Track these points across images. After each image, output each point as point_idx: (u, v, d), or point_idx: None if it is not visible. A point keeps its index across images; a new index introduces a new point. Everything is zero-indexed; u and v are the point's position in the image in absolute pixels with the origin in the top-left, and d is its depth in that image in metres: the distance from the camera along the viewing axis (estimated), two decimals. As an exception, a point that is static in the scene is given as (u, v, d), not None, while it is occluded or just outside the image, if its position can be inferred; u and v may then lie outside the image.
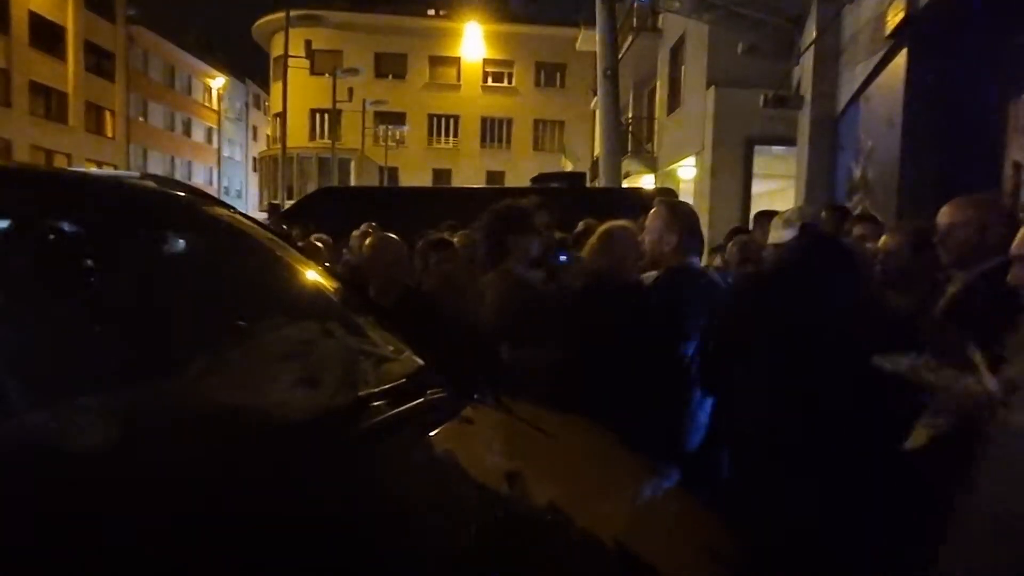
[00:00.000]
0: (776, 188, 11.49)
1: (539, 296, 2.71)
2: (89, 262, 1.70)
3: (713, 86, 11.58)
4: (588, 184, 13.34)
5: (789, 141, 9.07)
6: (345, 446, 1.31)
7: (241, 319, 1.93)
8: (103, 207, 1.74)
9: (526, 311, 2.52)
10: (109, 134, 32.86)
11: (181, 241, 2.13)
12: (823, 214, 4.04)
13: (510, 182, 26.90)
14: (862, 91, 7.05)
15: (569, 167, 22.86)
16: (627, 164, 15.20)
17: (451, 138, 33.72)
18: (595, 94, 10.46)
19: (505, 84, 33.76)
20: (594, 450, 1.79)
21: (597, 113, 13.30)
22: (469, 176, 29.64)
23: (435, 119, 33.38)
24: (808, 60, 8.13)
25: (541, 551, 1.18)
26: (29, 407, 1.26)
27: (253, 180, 38.89)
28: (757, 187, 11.78)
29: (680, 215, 2.59)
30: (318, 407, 1.45)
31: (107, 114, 32.80)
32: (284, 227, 5.18)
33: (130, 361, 1.44)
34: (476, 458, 1.44)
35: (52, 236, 1.66)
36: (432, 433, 1.51)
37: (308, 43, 30.01)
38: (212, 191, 41.41)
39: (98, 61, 31.72)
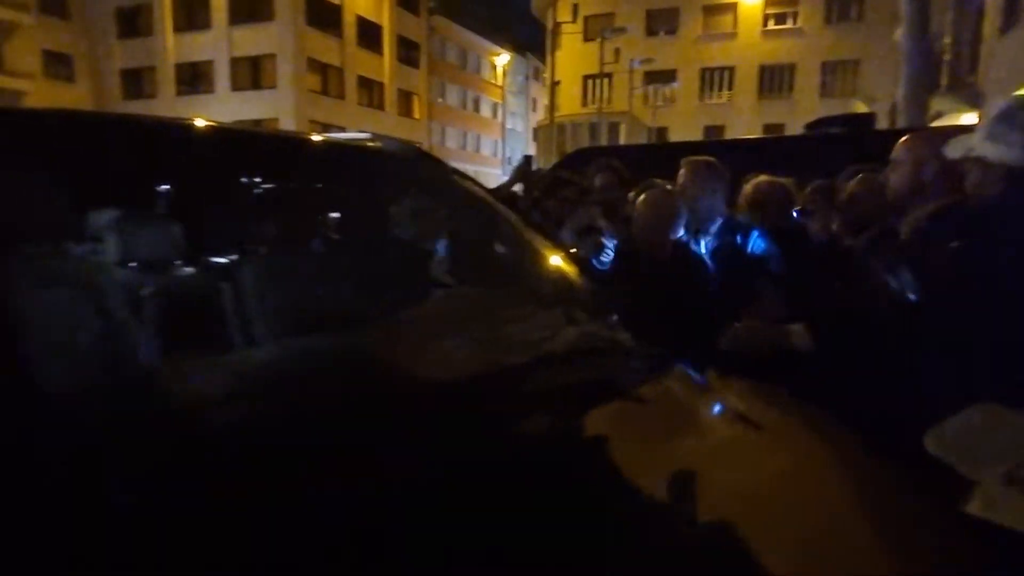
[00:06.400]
0: None
1: None
2: (322, 217, 1.92)
3: (1068, -11, 8.97)
4: (880, 128, 11.47)
5: None
6: (481, 416, 1.21)
7: (447, 275, 2.02)
8: (338, 165, 1.93)
9: None
10: (415, 116, 37.95)
11: (404, 197, 2.26)
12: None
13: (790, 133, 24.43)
14: None
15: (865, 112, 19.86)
16: (938, 102, 12.67)
17: (724, 92, 31.64)
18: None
19: (788, 25, 30.36)
20: (815, 453, 1.35)
21: (900, 44, 11.28)
22: (743, 131, 27.58)
23: (707, 73, 31.58)
24: None
25: None
26: (248, 347, 1.42)
27: (533, 149, 41.54)
28: None
29: None
30: (469, 372, 1.37)
31: (414, 98, 37.89)
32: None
33: (341, 309, 1.55)
34: (638, 449, 1.20)
35: (293, 193, 1.91)
36: (590, 411, 1.31)
37: (576, 8, 30.61)
38: (496, 162, 45.39)
39: (407, 52, 36.67)
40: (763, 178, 3.17)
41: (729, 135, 28.60)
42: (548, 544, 0.91)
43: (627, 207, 3.05)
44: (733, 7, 31.04)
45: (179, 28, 30.08)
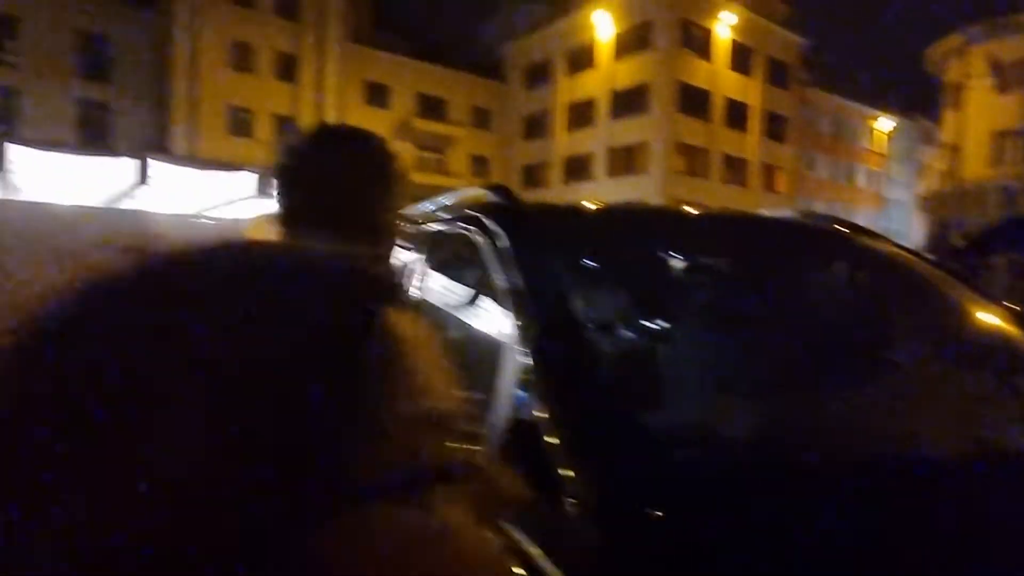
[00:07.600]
0: None
1: None
2: (751, 294, 2.00)
3: None
4: None
5: None
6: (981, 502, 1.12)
7: (891, 351, 1.95)
8: (772, 242, 2.10)
9: None
10: (779, 190, 36.83)
11: (838, 270, 2.31)
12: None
13: None
14: None
15: None
16: None
17: None
18: None
19: None
20: None
21: None
22: None
23: None
24: None
25: None
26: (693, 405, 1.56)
27: (919, 219, 36.33)
28: None
29: None
30: (952, 451, 1.32)
31: (777, 172, 36.92)
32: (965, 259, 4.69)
33: (778, 375, 1.65)
34: None
35: (715, 270, 2.16)
36: None
37: (992, 57, 26.30)
38: (873, 234, 40.66)
39: (773, 126, 36.17)
40: None
41: None
42: None
43: None
44: None
45: (569, 128, 35.30)
